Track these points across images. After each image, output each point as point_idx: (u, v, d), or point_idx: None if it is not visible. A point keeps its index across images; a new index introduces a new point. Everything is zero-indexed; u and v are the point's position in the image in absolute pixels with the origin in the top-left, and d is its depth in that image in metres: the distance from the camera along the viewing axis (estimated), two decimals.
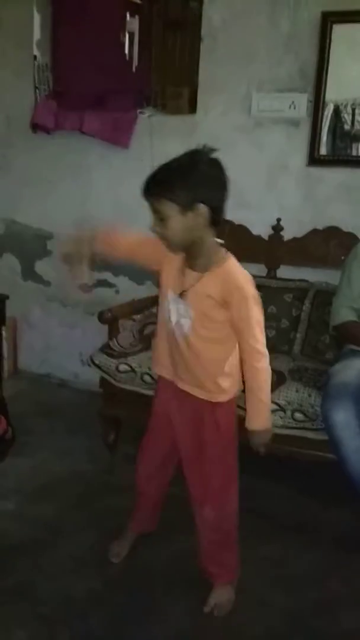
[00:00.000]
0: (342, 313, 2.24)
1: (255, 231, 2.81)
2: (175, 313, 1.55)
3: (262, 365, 1.54)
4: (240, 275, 1.50)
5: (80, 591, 1.76)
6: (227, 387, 1.59)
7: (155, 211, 1.46)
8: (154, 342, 1.76)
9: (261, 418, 1.58)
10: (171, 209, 1.42)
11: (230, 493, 1.69)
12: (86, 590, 1.76)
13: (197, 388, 1.60)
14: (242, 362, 1.57)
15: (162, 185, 1.43)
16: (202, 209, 1.43)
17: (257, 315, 1.50)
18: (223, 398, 1.60)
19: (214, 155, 1.46)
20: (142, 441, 1.83)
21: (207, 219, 1.45)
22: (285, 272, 2.77)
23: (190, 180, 1.41)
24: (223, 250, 1.53)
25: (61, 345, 3.41)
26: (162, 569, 1.88)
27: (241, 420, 1.63)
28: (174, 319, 1.56)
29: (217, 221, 1.47)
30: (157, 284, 1.67)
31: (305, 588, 1.83)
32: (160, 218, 1.45)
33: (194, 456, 1.67)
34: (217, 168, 1.46)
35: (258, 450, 1.62)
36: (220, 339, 1.55)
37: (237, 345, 1.57)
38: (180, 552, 1.89)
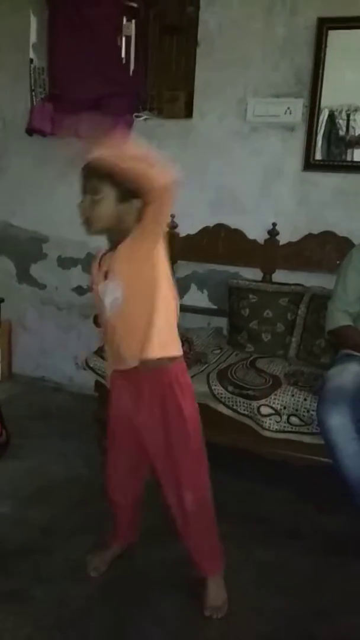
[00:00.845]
0: (338, 317, 2.25)
1: (250, 235, 2.82)
2: (108, 296, 1.57)
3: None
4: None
5: (76, 596, 1.75)
6: (166, 340, 1.58)
7: (92, 190, 1.51)
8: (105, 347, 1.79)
9: None
10: (109, 193, 1.49)
11: (202, 474, 1.69)
12: (82, 595, 1.75)
13: (141, 352, 1.56)
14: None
15: (109, 169, 1.45)
16: (137, 203, 1.48)
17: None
18: (169, 351, 1.59)
19: None
20: (106, 452, 1.81)
21: (137, 214, 1.49)
22: (280, 276, 2.78)
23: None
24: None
25: (56, 348, 3.41)
26: (158, 574, 1.87)
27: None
28: (107, 301, 1.58)
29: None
30: None
31: (302, 593, 1.83)
32: (94, 198, 1.51)
33: (161, 444, 1.66)
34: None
35: None
36: (155, 292, 1.54)
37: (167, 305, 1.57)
38: (175, 558, 1.88)
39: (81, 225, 1.57)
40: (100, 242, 3.29)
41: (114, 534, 1.89)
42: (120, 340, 1.62)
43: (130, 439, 1.73)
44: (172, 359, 1.62)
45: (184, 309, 2.44)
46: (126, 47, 2.95)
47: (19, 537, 2.01)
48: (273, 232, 2.78)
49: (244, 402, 2.20)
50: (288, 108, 2.72)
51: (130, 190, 1.46)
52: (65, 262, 3.32)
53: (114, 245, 1.58)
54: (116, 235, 1.56)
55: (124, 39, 2.94)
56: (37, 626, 1.63)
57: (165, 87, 3.05)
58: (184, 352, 1.69)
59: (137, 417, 1.68)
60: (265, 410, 2.15)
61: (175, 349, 1.62)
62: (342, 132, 2.68)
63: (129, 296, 1.55)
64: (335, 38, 2.59)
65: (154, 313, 1.54)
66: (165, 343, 1.58)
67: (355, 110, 2.63)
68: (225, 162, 2.84)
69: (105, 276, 1.58)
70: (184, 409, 1.63)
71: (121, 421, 1.73)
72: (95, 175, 1.50)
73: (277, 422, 2.13)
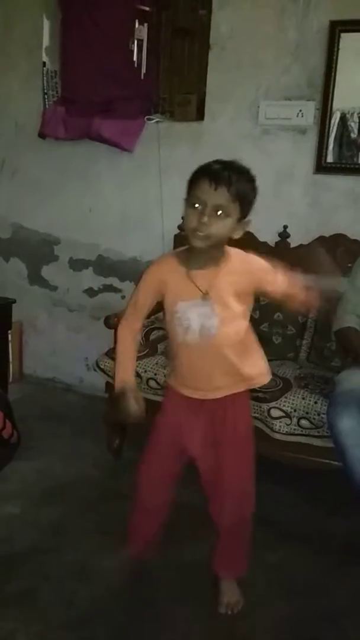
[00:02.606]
0: (345, 319, 2.24)
1: (261, 238, 2.81)
2: (197, 319, 1.52)
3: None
4: (250, 255, 1.57)
5: (85, 597, 1.75)
6: (259, 367, 1.64)
7: (216, 206, 1.41)
8: (172, 364, 1.69)
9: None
10: (235, 209, 1.43)
11: (249, 486, 1.69)
12: (90, 596, 1.76)
13: (232, 385, 1.60)
14: (296, 298, 1.58)
15: (239, 184, 1.42)
16: (248, 223, 1.49)
17: (274, 267, 1.57)
18: (260, 380, 1.64)
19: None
20: (145, 453, 1.75)
21: (244, 230, 1.50)
22: None
23: (255, 193, 1.48)
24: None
25: (67, 349, 3.42)
26: (167, 576, 1.87)
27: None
28: (196, 325, 1.52)
29: None
30: (134, 291, 1.64)
31: (310, 596, 1.82)
32: (217, 214, 1.41)
33: (212, 455, 1.65)
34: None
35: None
36: (243, 313, 1.57)
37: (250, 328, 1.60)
38: (185, 561, 1.88)
39: (193, 237, 1.46)
40: (109, 244, 3.29)
41: (130, 542, 1.82)
42: (218, 368, 1.57)
43: (173, 448, 1.69)
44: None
45: None
46: (138, 51, 2.96)
47: (29, 537, 2.02)
48: (284, 235, 2.78)
49: (254, 405, 2.19)
50: (300, 111, 2.72)
51: (248, 211, 1.47)
52: (76, 264, 3.34)
53: (202, 254, 1.49)
54: (214, 252, 1.50)
55: (136, 42, 2.94)
56: (46, 626, 1.64)
57: (177, 90, 3.06)
58: None
59: (193, 431, 1.65)
60: (275, 412, 2.14)
61: (265, 374, 1.66)
62: (354, 135, 2.68)
63: (226, 322, 1.52)
64: (348, 41, 2.59)
65: (250, 335, 1.60)
66: (261, 368, 1.64)
67: None
68: None
69: (203, 296, 1.50)
70: (239, 422, 1.65)
71: (169, 430, 1.69)
72: (229, 191, 1.41)
73: (288, 424, 2.13)
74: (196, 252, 1.49)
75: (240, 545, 1.75)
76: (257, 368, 1.63)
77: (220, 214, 1.41)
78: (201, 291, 1.50)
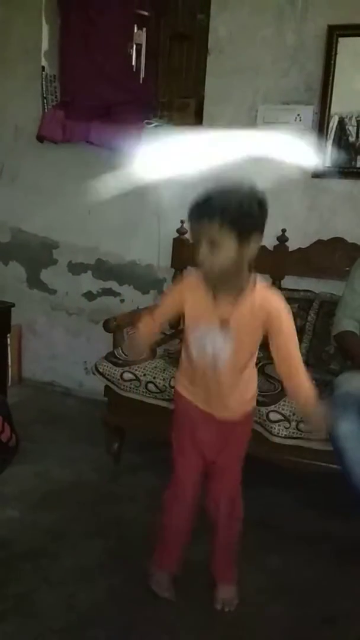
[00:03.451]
0: (343, 323, 2.25)
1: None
2: (211, 344, 1.54)
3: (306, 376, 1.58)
4: (274, 296, 1.55)
5: (84, 600, 1.75)
6: (252, 401, 1.70)
7: (209, 239, 1.42)
8: (185, 374, 1.70)
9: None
10: (229, 239, 1.41)
11: (239, 491, 1.76)
12: (90, 600, 1.76)
13: (231, 413, 1.66)
14: (287, 372, 1.57)
15: (225, 211, 1.40)
16: (254, 244, 1.45)
17: (294, 329, 1.56)
18: (249, 410, 1.71)
19: (263, 196, 1.47)
20: (175, 468, 1.73)
21: (254, 254, 1.47)
22: (290, 282, 2.78)
23: (254, 216, 1.43)
24: (252, 273, 1.54)
25: (66, 353, 3.42)
26: None
27: None
28: (209, 351, 1.55)
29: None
30: (160, 296, 1.70)
31: (309, 600, 1.82)
32: (213, 246, 1.42)
33: (215, 458, 1.71)
34: (266, 208, 1.48)
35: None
36: (253, 356, 1.60)
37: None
38: (185, 563, 1.88)
39: (201, 270, 1.49)
40: (108, 248, 3.31)
41: (161, 560, 1.81)
42: (220, 394, 1.62)
43: (196, 453, 1.71)
44: None
45: None
46: (137, 55, 2.98)
47: (28, 540, 2.02)
48: (282, 239, 2.78)
49: None
50: (298, 115, 2.73)
51: (249, 232, 1.43)
52: (75, 268, 3.34)
53: (219, 282, 1.50)
54: (235, 279, 1.50)
55: (134, 46, 2.96)
56: (45, 630, 1.64)
57: (176, 94, 3.07)
58: None
59: (200, 429, 1.68)
60: (274, 416, 2.14)
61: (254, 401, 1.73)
62: (352, 139, 2.68)
63: (237, 352, 1.55)
64: (346, 45, 2.60)
65: (255, 376, 1.67)
66: (254, 397, 1.71)
67: None
68: (235, 169, 2.84)
69: (222, 324, 1.53)
70: (244, 433, 1.73)
71: (188, 436, 1.70)
72: (213, 223, 1.41)
73: (286, 428, 2.13)
74: (221, 279, 1.49)
75: (234, 551, 1.79)
76: (253, 391, 1.70)
77: (218, 245, 1.41)
78: (220, 319, 1.52)
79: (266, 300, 1.52)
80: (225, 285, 1.51)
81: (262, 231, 1.47)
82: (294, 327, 1.56)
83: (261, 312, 1.51)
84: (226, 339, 1.53)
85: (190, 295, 1.57)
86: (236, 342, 1.53)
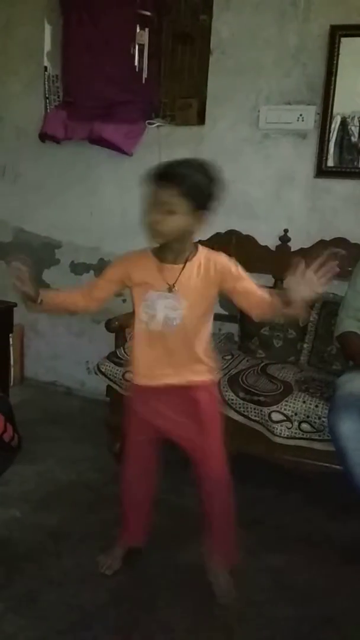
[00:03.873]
0: (346, 324, 2.24)
1: (262, 242, 2.82)
2: (162, 309, 1.60)
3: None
4: (216, 254, 1.65)
5: (86, 600, 1.75)
6: (212, 366, 1.72)
7: (163, 203, 1.48)
8: (133, 357, 1.75)
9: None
10: (182, 206, 1.49)
11: (224, 457, 1.75)
12: (92, 600, 1.76)
13: (189, 375, 1.67)
14: (260, 304, 1.61)
15: (184, 181, 1.48)
16: (206, 215, 1.54)
17: (244, 271, 1.63)
18: (213, 376, 1.73)
19: (220, 176, 1.57)
20: (125, 447, 1.84)
21: (201, 226, 1.56)
22: None
23: (211, 191, 1.53)
24: (196, 243, 1.65)
25: (68, 353, 3.43)
26: (168, 580, 1.87)
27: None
28: (160, 316, 1.61)
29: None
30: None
31: (311, 600, 1.82)
32: (166, 211, 1.49)
33: (193, 434, 1.71)
34: (221, 188, 1.56)
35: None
36: (208, 314, 1.68)
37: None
38: (185, 564, 1.88)
39: (148, 233, 1.55)
40: (110, 248, 3.31)
41: (121, 533, 1.91)
42: (175, 357, 1.65)
43: (149, 437, 1.76)
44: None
45: None
46: (139, 55, 2.97)
47: (30, 540, 2.02)
48: (285, 239, 2.78)
49: (255, 409, 2.20)
50: (300, 115, 2.73)
51: (202, 202, 1.52)
52: (77, 268, 3.34)
53: (166, 248, 1.59)
54: (180, 247, 1.59)
55: (137, 47, 2.95)
56: (47, 629, 1.64)
57: (178, 94, 3.07)
58: None
59: (164, 413, 1.70)
60: (276, 416, 2.14)
61: (217, 372, 1.76)
62: (354, 139, 2.68)
63: (189, 316, 1.61)
64: (348, 45, 2.60)
65: (210, 336, 1.69)
66: (214, 368, 1.72)
67: None
68: (237, 169, 2.84)
69: (169, 289, 1.59)
70: (213, 403, 1.74)
71: (141, 422, 1.75)
72: (169, 187, 1.48)
73: (289, 428, 2.13)
74: (166, 247, 1.58)
75: (229, 531, 1.78)
76: (208, 364, 1.72)
77: (169, 210, 1.48)
78: (168, 284, 1.58)
79: (210, 259, 1.62)
80: (170, 251, 1.59)
81: (213, 208, 1.55)
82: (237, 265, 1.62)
83: (209, 272, 1.60)
84: (175, 302, 1.59)
85: (134, 267, 1.64)
86: (186, 305, 1.59)
